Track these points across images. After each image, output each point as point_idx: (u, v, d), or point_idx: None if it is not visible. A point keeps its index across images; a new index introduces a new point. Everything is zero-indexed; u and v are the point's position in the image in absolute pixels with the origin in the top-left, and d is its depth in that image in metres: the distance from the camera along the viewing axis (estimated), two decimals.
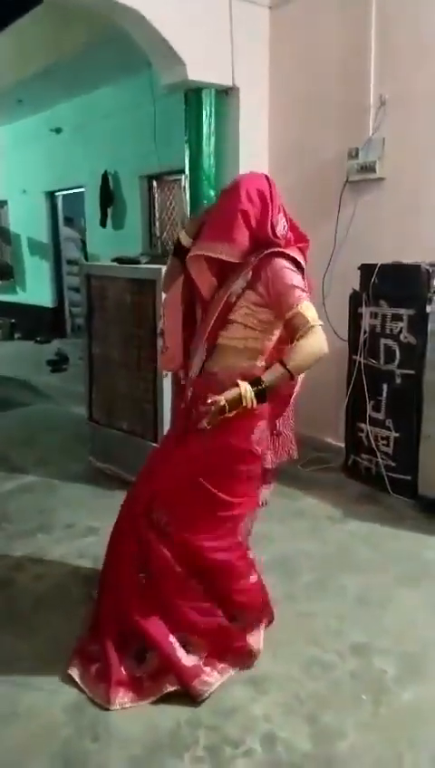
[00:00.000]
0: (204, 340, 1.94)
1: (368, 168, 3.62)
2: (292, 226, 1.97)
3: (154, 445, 3.33)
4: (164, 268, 3.18)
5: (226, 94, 4.07)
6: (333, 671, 2.03)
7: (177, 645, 1.95)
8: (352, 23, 3.62)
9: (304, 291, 1.82)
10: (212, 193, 4.09)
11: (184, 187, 4.31)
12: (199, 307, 2.06)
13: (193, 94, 3.96)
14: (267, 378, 1.77)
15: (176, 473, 1.98)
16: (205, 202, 4.10)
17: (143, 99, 5.79)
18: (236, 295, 1.87)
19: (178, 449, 2.01)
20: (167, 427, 3.28)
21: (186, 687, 1.90)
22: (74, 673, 2.00)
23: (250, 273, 1.85)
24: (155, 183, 6.59)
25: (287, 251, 1.88)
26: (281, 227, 1.90)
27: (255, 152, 4.15)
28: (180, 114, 4.14)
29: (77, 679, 1.98)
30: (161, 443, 2.17)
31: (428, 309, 3.05)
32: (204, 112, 3.98)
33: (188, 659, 1.94)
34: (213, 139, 4.06)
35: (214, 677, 1.94)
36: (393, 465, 3.33)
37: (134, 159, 6.49)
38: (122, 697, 1.89)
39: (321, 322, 1.77)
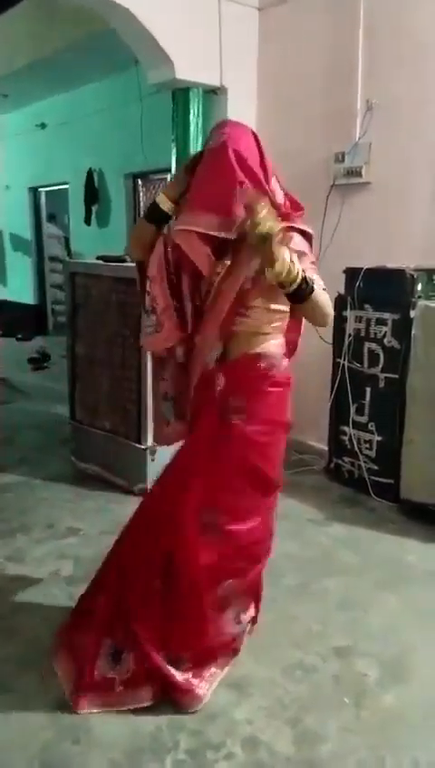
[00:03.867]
0: (216, 328, 1.80)
1: (354, 172, 3.64)
2: (285, 193, 1.83)
3: (138, 445, 3.31)
4: None
5: (214, 94, 4.06)
6: (315, 674, 2.03)
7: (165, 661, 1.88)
8: (340, 27, 3.63)
9: (314, 263, 1.75)
10: None
11: None
12: (187, 280, 1.87)
13: (181, 93, 3.95)
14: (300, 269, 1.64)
15: (224, 466, 1.85)
16: None
17: (130, 96, 5.76)
18: (251, 280, 1.73)
19: (220, 441, 1.84)
20: (151, 427, 3.27)
21: (178, 704, 1.85)
22: (58, 667, 1.97)
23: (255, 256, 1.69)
24: (140, 181, 6.56)
25: (295, 224, 1.75)
26: (280, 195, 1.76)
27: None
28: (167, 113, 4.12)
29: (59, 673, 1.95)
30: (184, 444, 1.98)
31: (412, 313, 3.07)
32: (191, 112, 3.97)
33: (178, 674, 1.87)
34: (200, 138, 4.05)
35: (204, 688, 1.89)
36: (376, 468, 3.34)
37: (119, 157, 6.45)
38: (90, 704, 1.83)
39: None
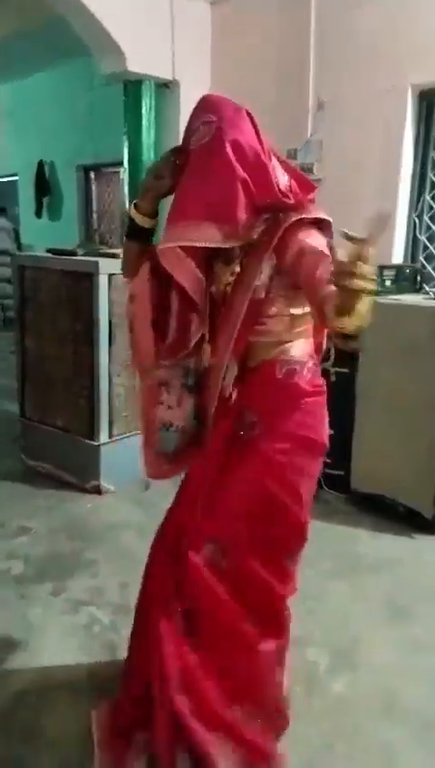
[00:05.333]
0: (229, 347, 1.50)
1: (307, 169, 3.68)
2: (291, 173, 1.50)
3: (90, 442, 3.27)
4: (102, 261, 3.16)
5: (166, 87, 4.04)
6: None
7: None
8: (292, 25, 3.66)
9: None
10: None
11: (123, 179, 4.25)
12: (177, 299, 1.56)
13: (132, 86, 3.91)
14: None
15: (231, 491, 1.53)
16: None
17: (80, 87, 5.67)
18: (265, 288, 1.46)
19: (241, 460, 1.53)
20: (104, 423, 3.24)
21: None
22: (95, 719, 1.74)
23: (273, 256, 1.44)
24: (93, 174, 6.46)
25: (310, 214, 1.45)
26: (284, 180, 1.45)
27: None
28: (119, 104, 4.08)
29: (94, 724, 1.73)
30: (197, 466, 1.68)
31: None
32: (144, 104, 3.94)
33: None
34: (153, 131, 4.03)
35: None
36: (327, 460, 3.39)
37: (70, 149, 6.35)
38: None
39: None
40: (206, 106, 1.45)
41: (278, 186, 1.42)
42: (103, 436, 3.27)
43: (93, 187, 6.51)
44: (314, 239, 1.40)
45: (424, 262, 3.63)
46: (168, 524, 1.71)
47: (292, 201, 1.43)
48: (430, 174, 3.55)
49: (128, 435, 3.31)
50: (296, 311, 1.51)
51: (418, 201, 3.58)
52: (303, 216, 1.42)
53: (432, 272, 3.59)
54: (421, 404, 2.95)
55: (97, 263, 3.11)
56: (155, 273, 1.51)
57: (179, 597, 1.55)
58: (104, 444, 3.28)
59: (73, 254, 3.41)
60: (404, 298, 3.06)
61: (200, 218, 1.37)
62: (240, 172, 1.37)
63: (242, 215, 1.38)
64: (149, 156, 4.04)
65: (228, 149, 1.36)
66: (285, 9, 3.69)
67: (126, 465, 3.30)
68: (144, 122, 3.97)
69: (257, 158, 1.40)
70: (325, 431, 1.62)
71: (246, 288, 1.47)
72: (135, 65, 3.73)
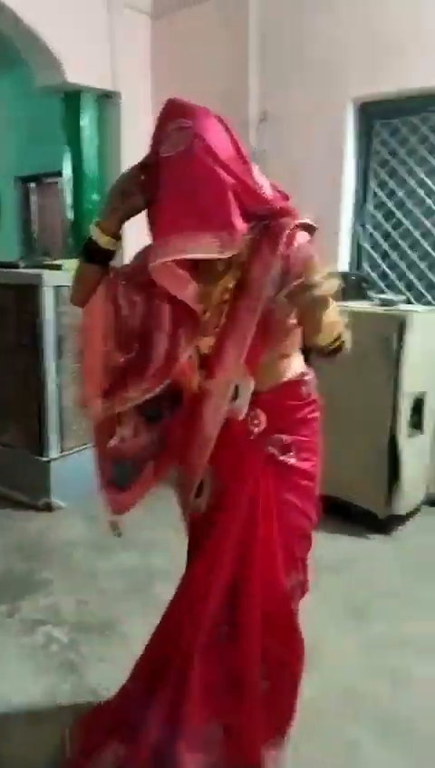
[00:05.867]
0: (238, 364, 1.38)
1: None
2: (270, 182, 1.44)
3: (40, 458, 3.19)
4: (47, 273, 3.10)
5: (108, 98, 4.02)
6: None
7: None
8: (233, 38, 3.72)
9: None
10: (95, 197, 4.03)
11: (64, 191, 4.20)
12: (169, 318, 1.44)
13: (72, 97, 3.88)
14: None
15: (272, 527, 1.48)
16: (89, 207, 4.03)
17: (19, 97, 5.58)
18: (274, 301, 1.36)
19: (286, 491, 1.49)
20: (53, 437, 3.17)
21: None
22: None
23: (281, 261, 1.35)
24: (33, 185, 6.36)
25: (299, 220, 1.41)
26: (268, 188, 1.40)
27: (138, 158, 4.11)
28: (60, 114, 4.03)
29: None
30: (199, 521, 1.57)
31: None
32: (84, 116, 3.91)
33: None
34: (95, 142, 4.00)
35: None
36: None
37: (9, 159, 6.22)
38: None
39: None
40: (175, 110, 1.36)
41: (263, 191, 1.36)
42: (53, 452, 3.20)
43: (34, 199, 6.40)
44: (309, 246, 1.39)
45: (368, 270, 3.72)
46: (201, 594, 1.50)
47: (278, 207, 1.39)
48: (371, 184, 3.65)
49: (78, 449, 3.25)
50: (292, 320, 1.41)
51: (361, 211, 3.67)
52: (297, 222, 1.38)
53: (376, 279, 3.68)
54: (372, 408, 3.01)
55: (41, 275, 3.05)
56: (114, 299, 1.44)
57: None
58: (54, 459, 3.21)
59: (15, 266, 3.34)
60: (351, 305, 3.13)
61: (195, 229, 1.28)
62: (227, 178, 1.30)
63: (238, 222, 1.31)
64: (91, 167, 4.01)
65: (210, 156, 1.29)
66: (225, 22, 3.74)
67: (78, 481, 3.23)
68: (86, 133, 3.94)
69: (237, 163, 1.34)
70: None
71: (254, 299, 1.36)
72: (74, 77, 3.70)
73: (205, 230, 1.28)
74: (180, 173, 1.30)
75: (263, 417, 1.46)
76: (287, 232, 1.35)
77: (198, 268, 1.38)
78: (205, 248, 1.28)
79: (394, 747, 1.77)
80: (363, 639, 2.25)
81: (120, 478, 1.57)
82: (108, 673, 2.00)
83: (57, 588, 2.53)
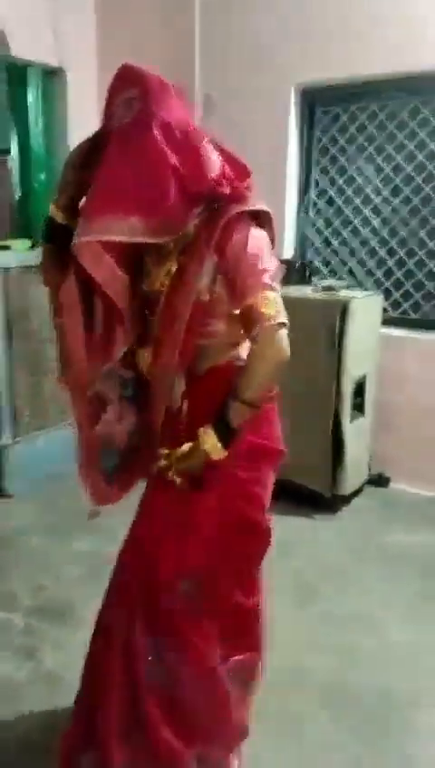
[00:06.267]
0: (174, 356, 1.33)
1: None
2: (225, 156, 1.33)
3: None
4: None
5: (53, 75, 3.92)
6: None
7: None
8: (179, 18, 3.67)
9: (268, 271, 1.28)
10: (43, 176, 3.94)
11: (10, 169, 4.09)
12: (100, 303, 1.40)
13: (16, 72, 3.75)
14: (233, 419, 1.28)
15: (199, 519, 1.42)
16: (36, 186, 3.95)
17: None
18: (208, 291, 1.31)
19: (206, 486, 1.37)
20: (6, 423, 3.15)
21: None
22: None
23: (214, 254, 1.28)
24: None
25: (247, 206, 1.30)
26: (216, 165, 1.27)
27: (85, 137, 4.04)
28: (6, 91, 3.90)
29: None
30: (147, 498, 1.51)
31: None
32: (30, 92, 3.80)
33: None
34: (41, 119, 3.90)
35: None
36: None
37: None
38: None
39: (282, 319, 1.26)
40: (126, 78, 1.28)
41: (212, 172, 1.25)
42: (6, 438, 3.19)
43: None
44: (253, 237, 1.29)
45: (312, 256, 3.80)
46: (125, 566, 1.50)
47: (228, 190, 1.27)
48: (314, 172, 3.71)
49: (32, 435, 3.25)
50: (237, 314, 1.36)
51: (303, 198, 3.73)
52: (241, 210, 1.28)
53: (320, 265, 3.77)
54: (317, 393, 3.11)
55: None
56: (77, 276, 1.34)
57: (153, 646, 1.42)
58: (7, 445, 3.20)
59: None
60: (295, 291, 3.21)
61: (123, 210, 1.20)
62: (169, 157, 1.21)
63: (173, 206, 1.23)
64: (38, 145, 3.92)
65: (154, 130, 1.20)
66: (169, 4, 3.70)
67: (31, 467, 3.25)
68: (31, 110, 3.83)
69: (187, 139, 1.23)
70: (279, 438, 1.52)
71: (187, 289, 1.30)
72: (18, 50, 3.58)
73: (134, 212, 1.20)
74: (121, 148, 1.23)
75: (185, 406, 1.39)
76: (224, 221, 1.26)
77: (146, 251, 1.34)
78: (133, 232, 1.21)
79: (341, 719, 1.87)
80: (311, 616, 2.36)
81: (108, 464, 1.50)
82: (65, 657, 2.06)
83: (13, 574, 2.56)
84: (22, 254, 3.30)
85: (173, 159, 1.22)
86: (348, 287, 3.44)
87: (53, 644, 2.16)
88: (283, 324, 1.26)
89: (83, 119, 4.07)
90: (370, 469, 3.47)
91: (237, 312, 1.32)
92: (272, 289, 1.27)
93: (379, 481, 3.48)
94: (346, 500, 3.27)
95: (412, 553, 2.83)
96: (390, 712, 1.91)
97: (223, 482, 1.38)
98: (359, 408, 3.27)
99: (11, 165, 4.07)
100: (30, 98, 3.81)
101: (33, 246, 3.39)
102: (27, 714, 1.86)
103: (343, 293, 3.18)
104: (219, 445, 1.27)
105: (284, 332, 1.27)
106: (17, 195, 4.08)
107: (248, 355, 1.33)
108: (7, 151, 4.04)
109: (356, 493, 3.35)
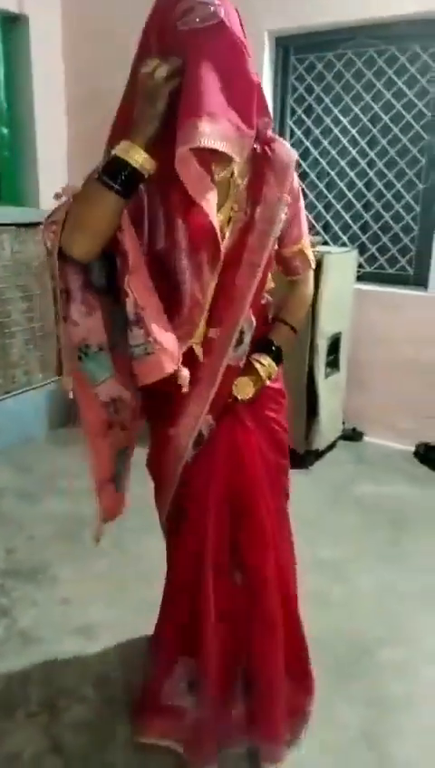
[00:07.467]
0: (245, 308, 1.29)
1: None
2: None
3: None
4: None
5: (14, 22, 3.74)
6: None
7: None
8: None
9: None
10: (5, 130, 3.80)
11: None
12: (179, 256, 1.20)
13: None
14: (284, 344, 1.47)
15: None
16: None
17: None
18: (283, 231, 1.33)
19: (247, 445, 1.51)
20: None
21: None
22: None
23: (289, 196, 1.29)
24: None
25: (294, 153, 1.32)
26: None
27: (50, 89, 3.89)
28: None
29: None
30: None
31: None
32: None
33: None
34: (2, 70, 3.74)
35: None
36: None
37: None
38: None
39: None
40: None
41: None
42: None
43: None
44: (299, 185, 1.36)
45: None
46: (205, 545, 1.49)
47: (267, 133, 1.25)
48: (288, 121, 3.62)
49: (3, 397, 3.21)
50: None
51: None
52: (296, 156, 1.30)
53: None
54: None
55: None
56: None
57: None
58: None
59: None
60: None
61: (228, 118, 1.05)
62: (254, 75, 1.10)
63: (255, 128, 1.13)
64: (0, 96, 3.76)
65: (240, 43, 1.07)
66: None
67: (3, 429, 3.22)
68: None
69: (251, 66, 1.11)
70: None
71: (265, 234, 1.25)
72: None
73: (235, 124, 1.06)
74: (210, 49, 1.05)
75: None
76: (292, 162, 1.28)
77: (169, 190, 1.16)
78: (230, 144, 1.06)
79: (312, 663, 1.88)
80: None
81: (95, 372, 1.28)
82: (40, 616, 2.09)
83: None
84: None
85: (257, 79, 1.13)
86: (324, 242, 3.40)
87: (28, 603, 2.17)
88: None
89: (48, 69, 3.91)
90: (344, 424, 3.49)
91: (285, 253, 1.41)
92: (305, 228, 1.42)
93: (352, 436, 3.52)
94: (320, 455, 3.30)
95: (384, 503, 2.88)
96: (360, 655, 1.96)
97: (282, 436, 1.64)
98: (334, 363, 3.27)
99: None
100: None
101: None
102: (3, 670, 1.87)
103: (319, 249, 3.14)
104: (274, 364, 1.43)
105: None
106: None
107: (294, 291, 1.50)
108: None
109: (330, 447, 3.39)
